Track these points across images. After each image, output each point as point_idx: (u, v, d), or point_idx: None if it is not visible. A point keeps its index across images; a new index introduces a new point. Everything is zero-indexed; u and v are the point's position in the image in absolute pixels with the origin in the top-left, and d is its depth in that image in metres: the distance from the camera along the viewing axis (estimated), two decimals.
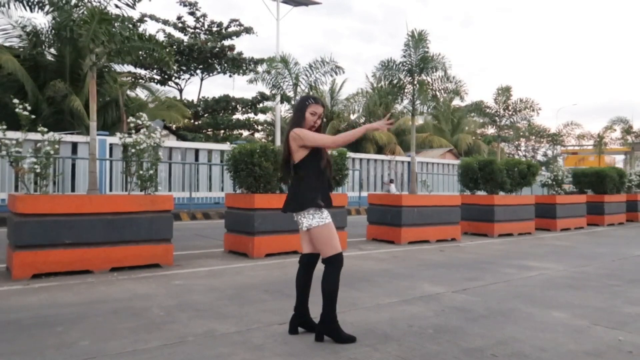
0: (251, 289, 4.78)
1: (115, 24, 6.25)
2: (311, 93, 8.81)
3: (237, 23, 27.00)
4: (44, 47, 8.33)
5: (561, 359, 3.02)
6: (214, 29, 27.23)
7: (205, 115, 27.05)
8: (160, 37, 21.10)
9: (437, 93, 9.94)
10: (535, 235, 10.70)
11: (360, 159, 20.05)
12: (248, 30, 26.82)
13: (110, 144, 13.55)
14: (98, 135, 11.01)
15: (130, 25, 6.51)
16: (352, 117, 35.23)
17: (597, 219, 13.61)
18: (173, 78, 27.80)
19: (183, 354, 2.96)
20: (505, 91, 12.83)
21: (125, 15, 6.50)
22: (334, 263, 3.20)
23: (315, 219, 3.19)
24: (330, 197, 3.32)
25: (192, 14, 26.71)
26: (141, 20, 23.14)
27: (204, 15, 26.81)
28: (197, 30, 27.36)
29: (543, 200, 12.02)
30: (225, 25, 27.17)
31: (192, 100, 27.25)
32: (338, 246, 3.22)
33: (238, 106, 26.98)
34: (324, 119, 3.38)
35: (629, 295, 4.81)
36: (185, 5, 26.37)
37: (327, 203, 3.25)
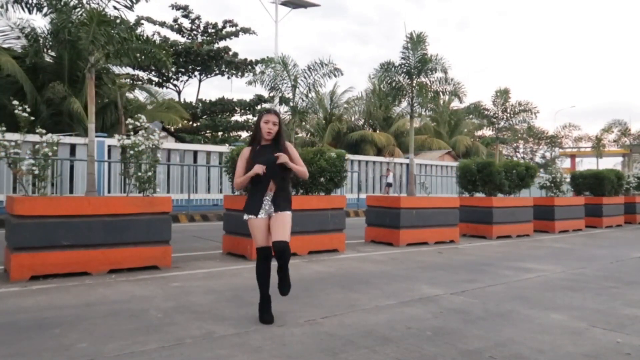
0: (249, 290, 4.76)
1: (114, 26, 6.25)
2: (311, 95, 8.82)
3: (231, 24, 27.01)
4: (44, 50, 8.34)
5: None
6: (210, 30, 27.26)
7: (204, 117, 27.04)
8: (158, 39, 21.10)
9: (436, 95, 9.96)
10: (533, 237, 10.70)
11: (359, 161, 20.07)
12: (245, 30, 26.83)
13: (109, 146, 13.55)
14: (97, 137, 11.01)
15: (128, 27, 6.52)
16: (352, 118, 35.26)
17: (595, 221, 13.63)
18: (171, 80, 27.80)
19: (181, 356, 2.95)
20: (503, 93, 12.86)
21: (124, 17, 6.51)
22: (257, 254, 3.81)
23: (244, 217, 3.82)
24: (261, 203, 3.74)
25: (186, 16, 26.77)
26: (138, 22, 23.15)
27: (199, 18, 26.88)
28: (194, 32, 27.40)
29: (541, 202, 12.04)
30: (220, 26, 27.20)
31: (191, 102, 27.25)
32: (257, 242, 3.76)
33: (236, 108, 26.98)
34: (282, 125, 3.85)
35: (627, 297, 4.81)
36: (178, 9, 26.42)
37: (252, 210, 3.74)
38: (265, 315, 3.70)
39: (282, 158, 3.62)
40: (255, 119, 28.15)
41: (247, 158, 3.76)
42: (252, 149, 3.78)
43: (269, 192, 3.72)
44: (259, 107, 27.07)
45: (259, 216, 3.71)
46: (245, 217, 3.77)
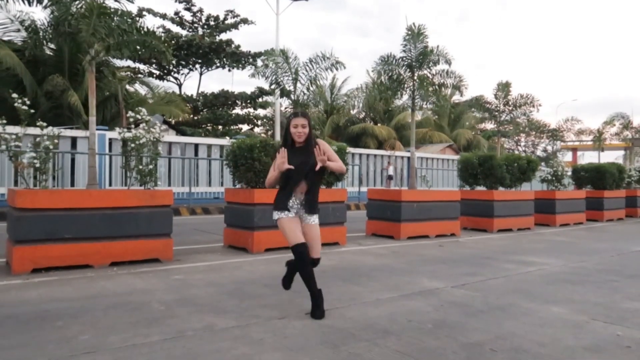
0: (251, 283, 4.78)
1: (114, 18, 6.23)
2: (312, 88, 8.80)
3: (233, 14, 26.87)
4: (44, 43, 8.33)
5: (560, 354, 3.03)
6: (212, 22, 27.14)
7: (205, 110, 27.02)
8: (159, 32, 21.00)
9: (438, 88, 9.92)
10: (534, 231, 10.71)
11: (360, 154, 20.05)
12: (245, 21, 26.70)
13: (110, 139, 13.55)
14: (97, 129, 11.00)
15: (129, 20, 6.48)
16: (353, 112, 35.21)
17: (596, 215, 13.62)
18: (172, 73, 27.73)
19: (183, 348, 2.96)
20: (505, 87, 12.83)
21: (125, 9, 6.48)
22: (294, 254, 3.67)
23: (274, 217, 3.79)
24: (290, 201, 3.75)
25: (188, 9, 26.64)
26: (140, 14, 23.06)
27: (201, 10, 26.75)
28: (195, 25, 27.28)
29: (542, 196, 12.03)
30: (222, 18, 27.07)
31: (192, 95, 27.20)
32: (290, 240, 3.65)
33: (237, 101, 26.95)
34: (312, 125, 3.84)
35: (628, 291, 4.82)
36: (181, 2, 26.29)
37: (282, 207, 3.74)
38: (317, 310, 3.65)
39: (321, 162, 3.59)
40: (256, 112, 28.18)
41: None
42: (283, 150, 3.74)
43: (299, 193, 3.74)
44: (260, 99, 27.03)
45: (290, 215, 3.71)
46: (275, 216, 3.75)
